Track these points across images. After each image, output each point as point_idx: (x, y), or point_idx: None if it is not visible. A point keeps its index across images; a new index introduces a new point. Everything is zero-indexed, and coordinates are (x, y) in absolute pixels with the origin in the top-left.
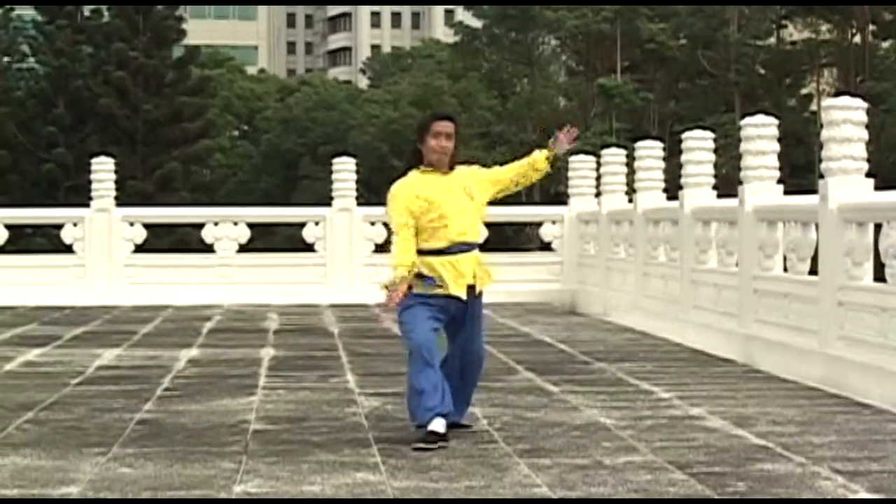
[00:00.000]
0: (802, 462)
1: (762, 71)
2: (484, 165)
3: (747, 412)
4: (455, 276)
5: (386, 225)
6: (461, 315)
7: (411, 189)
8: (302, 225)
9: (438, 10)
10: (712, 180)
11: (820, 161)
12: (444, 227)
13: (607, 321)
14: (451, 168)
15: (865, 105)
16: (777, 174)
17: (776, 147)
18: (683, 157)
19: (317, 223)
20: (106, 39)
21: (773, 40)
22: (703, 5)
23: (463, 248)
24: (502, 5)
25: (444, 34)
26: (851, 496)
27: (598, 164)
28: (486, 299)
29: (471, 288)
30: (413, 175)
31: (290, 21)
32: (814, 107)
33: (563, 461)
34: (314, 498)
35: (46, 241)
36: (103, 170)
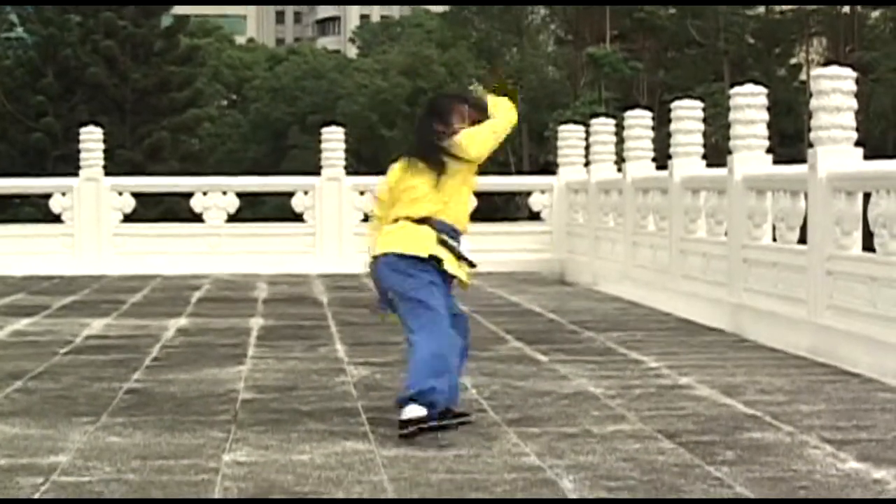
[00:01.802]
0: (791, 431)
1: (751, 40)
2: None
3: (736, 381)
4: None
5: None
6: None
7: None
8: (291, 194)
9: None
10: (701, 150)
11: (809, 130)
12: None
13: (596, 290)
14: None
15: (854, 74)
16: (766, 143)
17: (765, 116)
18: (673, 127)
19: (306, 193)
20: (94, 8)
21: (762, 10)
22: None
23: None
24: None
25: (433, 3)
26: (840, 464)
27: (588, 134)
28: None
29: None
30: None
31: None
32: (803, 76)
33: (551, 430)
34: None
35: (35, 210)
36: (92, 139)
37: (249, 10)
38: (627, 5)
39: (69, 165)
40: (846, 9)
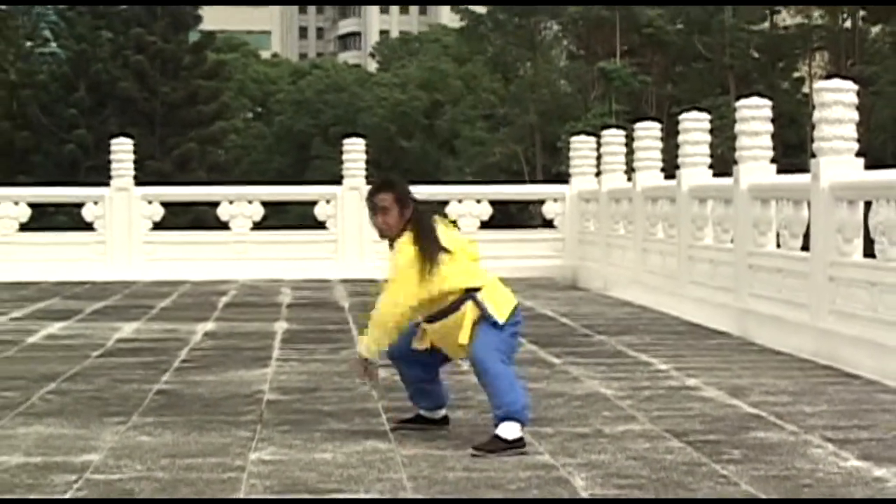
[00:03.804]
0: (795, 430)
1: (756, 55)
2: (481, 145)
3: (742, 383)
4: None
5: None
6: None
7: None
8: (313, 203)
9: None
10: (708, 160)
11: (812, 141)
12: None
13: (607, 295)
14: (393, 240)
15: (856, 87)
16: (770, 154)
17: (769, 128)
18: (680, 138)
19: (328, 201)
20: (125, 25)
21: (766, 25)
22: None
23: None
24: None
25: (451, 19)
26: (841, 463)
27: (599, 145)
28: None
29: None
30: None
31: (302, 7)
32: (806, 89)
33: (564, 430)
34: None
35: (68, 218)
36: (123, 150)
37: (274, 27)
38: (648, 5)
39: (101, 176)
40: (847, 24)
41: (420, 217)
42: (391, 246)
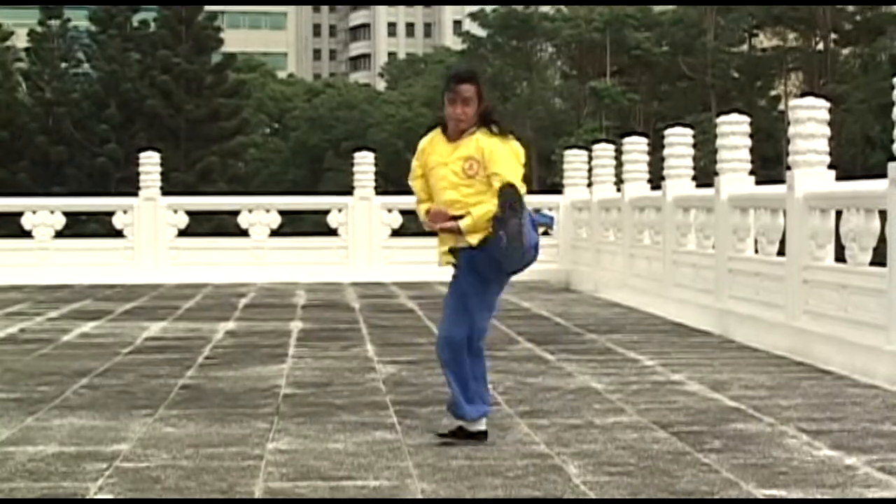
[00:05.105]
0: (771, 422)
1: (736, 75)
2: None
3: (722, 378)
4: (440, 246)
5: (402, 212)
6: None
7: (423, 146)
8: (326, 212)
9: (448, 21)
10: (691, 172)
11: (787, 154)
12: (434, 199)
13: (598, 297)
14: (462, 134)
15: (827, 105)
16: (749, 166)
17: (748, 142)
18: (666, 152)
19: (340, 210)
20: (152, 47)
21: (745, 47)
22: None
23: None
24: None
25: (453, 42)
26: (815, 452)
27: (590, 158)
28: None
29: (452, 252)
30: (433, 133)
31: (316, 31)
32: (782, 106)
33: (558, 421)
34: (338, 455)
35: (99, 226)
36: (150, 163)
37: (290, 49)
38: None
39: (130, 186)
40: (820, 46)
41: (498, 118)
42: (450, 138)
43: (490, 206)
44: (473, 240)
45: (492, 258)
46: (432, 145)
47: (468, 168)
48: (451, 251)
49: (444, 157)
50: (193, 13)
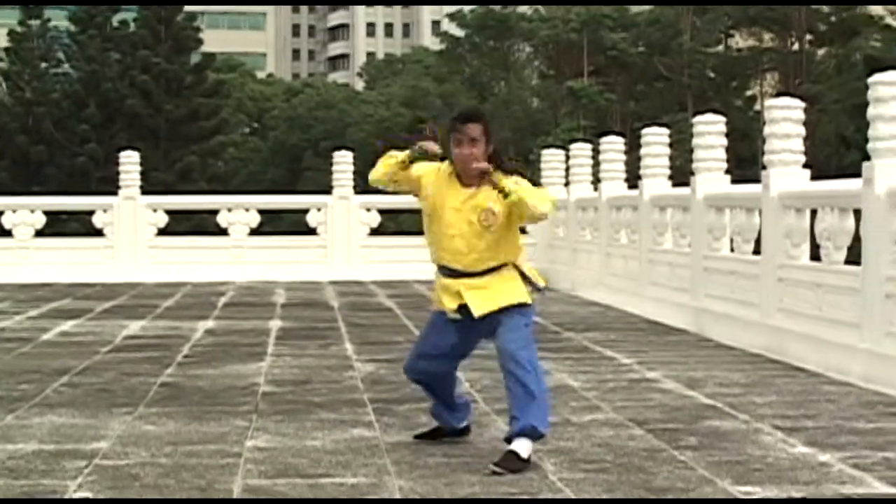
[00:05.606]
0: (746, 419)
1: (712, 75)
2: None
3: (698, 375)
4: (443, 292)
5: (380, 211)
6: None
7: (428, 175)
8: (305, 211)
9: (426, 21)
10: (668, 171)
11: (763, 154)
12: (436, 243)
13: (575, 296)
14: (481, 182)
15: (803, 105)
16: (724, 166)
17: (724, 142)
18: (642, 151)
19: (319, 209)
20: (132, 47)
21: (721, 48)
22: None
23: (447, 272)
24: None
25: (431, 42)
26: (789, 449)
27: (567, 157)
28: None
29: (465, 308)
30: (442, 167)
31: (295, 31)
32: (757, 106)
33: None
34: (316, 452)
35: (79, 225)
36: (130, 162)
37: (269, 49)
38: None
39: (110, 186)
40: (796, 47)
41: (506, 160)
42: (463, 182)
43: (517, 281)
44: (481, 310)
45: (490, 329)
46: (440, 181)
47: (484, 219)
48: (460, 308)
49: (457, 203)
50: (173, 13)
